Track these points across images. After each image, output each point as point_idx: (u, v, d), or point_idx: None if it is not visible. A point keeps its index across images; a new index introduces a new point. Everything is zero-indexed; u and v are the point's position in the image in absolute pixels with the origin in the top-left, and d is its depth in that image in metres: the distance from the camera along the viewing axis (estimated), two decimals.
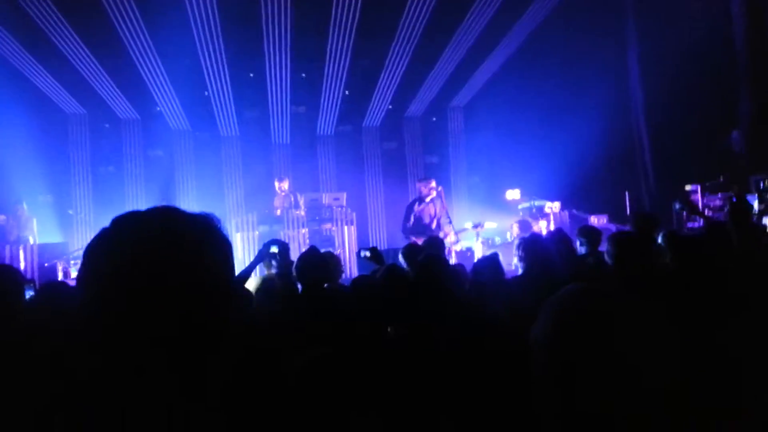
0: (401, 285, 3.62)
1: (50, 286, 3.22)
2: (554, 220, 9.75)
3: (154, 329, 0.89)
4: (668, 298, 3.26)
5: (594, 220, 9.54)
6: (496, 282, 3.80)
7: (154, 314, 0.89)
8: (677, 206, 7.43)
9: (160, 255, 0.91)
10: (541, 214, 9.92)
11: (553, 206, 9.88)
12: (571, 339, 1.11)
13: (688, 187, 9.21)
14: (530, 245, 4.97)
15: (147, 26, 8.78)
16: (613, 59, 10.18)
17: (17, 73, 9.42)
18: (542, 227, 9.67)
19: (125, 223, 0.96)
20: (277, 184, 9.64)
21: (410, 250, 4.68)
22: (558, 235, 4.79)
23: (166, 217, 0.97)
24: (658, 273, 3.77)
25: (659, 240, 4.52)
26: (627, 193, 9.82)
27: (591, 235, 5.07)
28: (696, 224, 8.42)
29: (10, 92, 9.18)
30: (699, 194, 9.16)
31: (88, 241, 0.96)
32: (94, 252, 0.94)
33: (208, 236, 0.97)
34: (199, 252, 0.95)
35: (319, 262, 3.81)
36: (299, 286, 3.75)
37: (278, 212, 9.28)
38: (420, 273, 3.65)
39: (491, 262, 3.93)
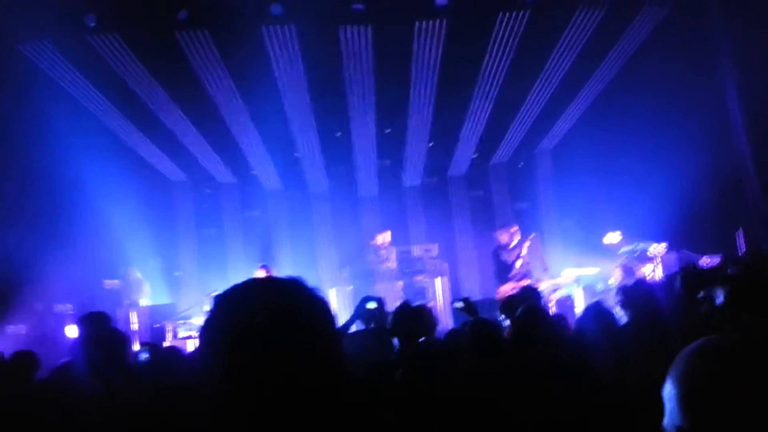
0: (491, 341, 3.52)
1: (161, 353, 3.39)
2: (661, 263, 9.17)
3: (277, 393, 0.94)
4: None
5: (706, 261, 8.88)
6: (602, 333, 3.59)
7: (277, 379, 0.94)
8: None
9: (275, 322, 0.97)
10: (645, 257, 9.37)
11: (658, 248, 9.31)
12: (712, 398, 0.97)
13: None
14: (632, 293, 4.70)
15: (242, 96, 9.37)
16: (709, 89, 9.65)
17: (125, 146, 10.26)
18: (647, 271, 9.13)
19: (236, 298, 1.03)
20: (380, 237, 9.77)
21: (508, 304, 4.54)
22: (669, 281, 4.49)
23: (272, 288, 1.05)
24: None
25: None
26: (740, 231, 9.12)
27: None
28: None
29: (118, 163, 9.94)
30: None
31: (206, 308, 1.03)
32: (215, 319, 1.01)
33: (313, 301, 1.03)
34: (309, 316, 1.00)
35: (414, 317, 3.78)
36: (395, 341, 3.73)
37: (382, 266, 9.35)
38: (518, 327, 3.52)
39: (596, 311, 3.73)
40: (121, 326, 7.91)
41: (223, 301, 1.03)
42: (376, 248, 9.78)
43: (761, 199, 9.41)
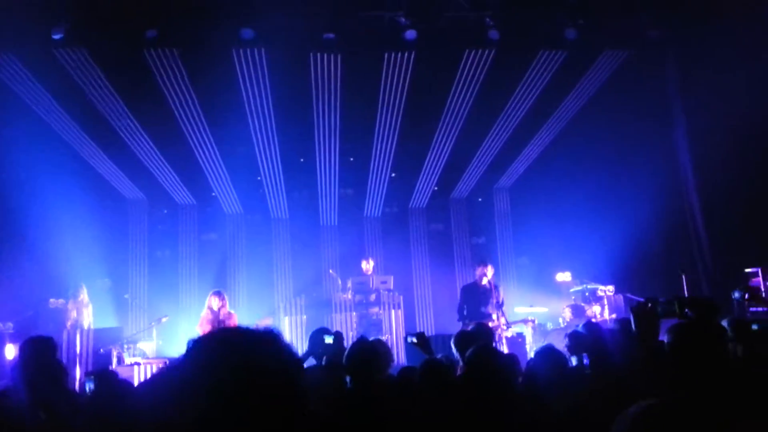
0: (441, 382, 3.52)
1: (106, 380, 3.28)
2: (608, 304, 9.44)
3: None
4: (734, 389, 3.06)
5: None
6: (554, 376, 3.66)
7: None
8: (737, 294, 7.03)
9: (250, 381, 1.00)
10: (594, 298, 9.63)
11: (606, 290, 9.60)
12: None
13: (747, 270, 8.81)
14: (582, 336, 4.81)
15: (206, 118, 9.31)
16: (661, 137, 10.10)
17: (82, 161, 9.97)
18: (596, 312, 9.37)
19: (213, 351, 1.05)
20: (364, 264, 9.79)
21: (462, 339, 4.56)
22: (618, 324, 4.61)
23: (248, 343, 1.06)
24: (720, 362, 3.58)
25: (725, 327, 4.29)
26: (683, 276, 9.46)
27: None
28: (759, 309, 7.99)
29: (74, 178, 9.68)
30: (760, 277, 8.74)
31: (183, 356, 1.06)
32: (191, 371, 1.03)
33: (287, 360, 1.06)
34: (282, 376, 1.04)
35: (370, 356, 3.75)
36: (348, 378, 3.69)
37: (342, 296, 9.35)
38: (471, 367, 3.54)
39: (548, 355, 3.79)
40: (64, 349, 7.69)
41: (199, 352, 1.04)
42: (364, 275, 9.74)
43: (707, 246, 9.80)
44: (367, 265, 9.86)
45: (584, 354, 4.37)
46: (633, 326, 2.80)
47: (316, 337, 4.43)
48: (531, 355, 8.49)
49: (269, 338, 1.06)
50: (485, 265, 8.62)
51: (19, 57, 7.89)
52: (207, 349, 1.05)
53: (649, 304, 2.74)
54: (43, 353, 3.38)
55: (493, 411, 3.13)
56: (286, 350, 1.07)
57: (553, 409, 3.31)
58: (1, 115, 8.56)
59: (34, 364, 3.28)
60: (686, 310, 2.78)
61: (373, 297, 9.24)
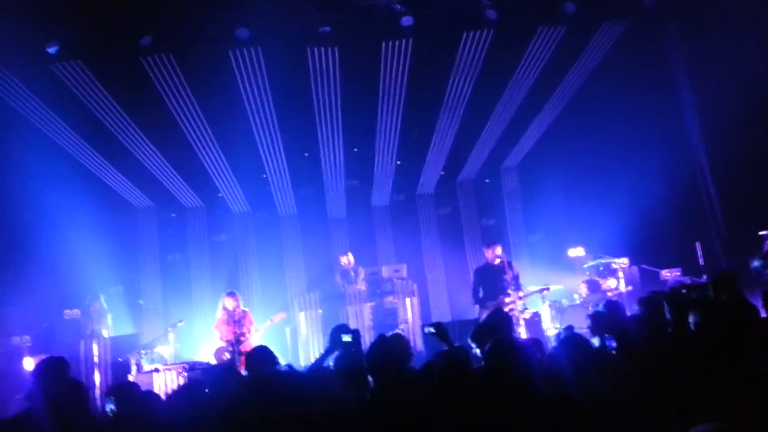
0: (463, 378, 3.49)
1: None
2: (624, 276, 9.39)
3: None
4: None
5: (666, 275, 9.15)
6: (579, 362, 3.61)
7: None
8: (756, 263, 6.99)
9: None
10: (609, 271, 9.59)
11: (620, 262, 9.54)
12: None
13: (761, 233, 8.73)
14: (604, 316, 4.77)
15: (207, 120, 9.27)
16: (668, 105, 9.96)
17: (88, 173, 9.98)
18: (612, 285, 9.33)
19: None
20: (344, 259, 9.78)
21: (479, 334, 4.50)
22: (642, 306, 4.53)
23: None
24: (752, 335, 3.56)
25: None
26: (698, 244, 9.39)
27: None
28: None
29: (81, 190, 9.67)
30: None
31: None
32: None
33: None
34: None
35: (390, 351, 3.74)
36: (371, 379, 3.67)
37: (351, 288, 9.36)
38: (489, 363, 3.49)
39: (572, 344, 3.75)
40: (82, 359, 7.74)
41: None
42: (345, 270, 9.75)
43: (719, 213, 9.71)
44: (347, 260, 9.83)
45: (607, 335, 4.34)
46: (667, 313, 2.77)
47: (336, 334, 4.40)
48: (548, 334, 8.49)
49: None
50: (493, 245, 8.59)
51: (14, 72, 7.86)
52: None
53: (683, 290, 2.72)
54: (60, 373, 3.36)
55: (515, 403, 3.10)
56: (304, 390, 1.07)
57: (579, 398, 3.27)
58: (3, 132, 8.54)
59: (51, 384, 3.27)
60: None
61: (387, 287, 9.23)
